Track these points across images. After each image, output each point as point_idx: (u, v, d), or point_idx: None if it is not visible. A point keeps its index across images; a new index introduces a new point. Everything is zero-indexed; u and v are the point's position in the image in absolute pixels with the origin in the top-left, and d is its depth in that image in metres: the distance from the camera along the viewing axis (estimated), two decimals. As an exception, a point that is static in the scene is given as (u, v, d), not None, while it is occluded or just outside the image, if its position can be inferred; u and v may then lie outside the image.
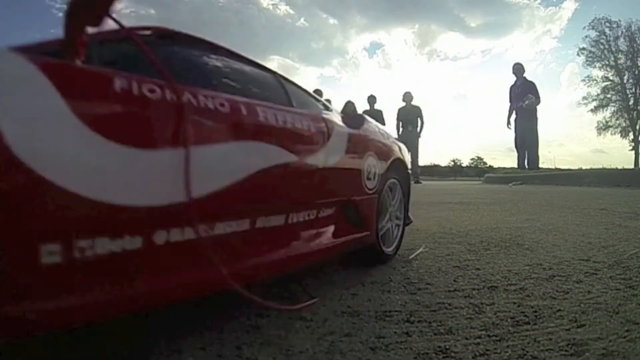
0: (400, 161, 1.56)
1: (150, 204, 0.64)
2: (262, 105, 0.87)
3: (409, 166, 1.71)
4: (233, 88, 0.90)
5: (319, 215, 1.04)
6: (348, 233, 1.15)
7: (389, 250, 1.47)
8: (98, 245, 0.58)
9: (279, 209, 0.90)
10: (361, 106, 8.74)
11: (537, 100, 8.05)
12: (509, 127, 8.58)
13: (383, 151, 1.38)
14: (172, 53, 0.86)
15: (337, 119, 1.20)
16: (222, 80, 0.92)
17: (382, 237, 1.41)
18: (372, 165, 1.26)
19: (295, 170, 0.93)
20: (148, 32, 0.83)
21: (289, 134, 0.92)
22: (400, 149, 1.62)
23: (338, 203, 1.12)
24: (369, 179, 1.24)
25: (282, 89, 1.13)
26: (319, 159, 1.00)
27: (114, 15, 0.66)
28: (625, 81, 22.57)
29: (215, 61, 0.97)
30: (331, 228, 1.11)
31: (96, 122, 0.57)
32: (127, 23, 0.71)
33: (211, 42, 0.98)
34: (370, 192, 1.26)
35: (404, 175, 1.62)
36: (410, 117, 8.41)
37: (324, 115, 1.12)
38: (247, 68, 1.07)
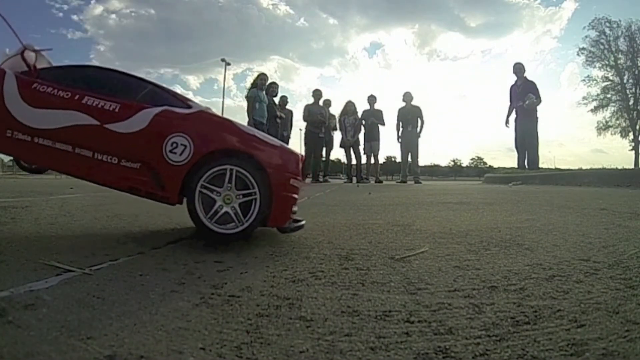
0: (242, 154, 1.67)
1: (45, 127, 1.66)
2: (90, 95, 1.67)
3: (273, 168, 1.70)
4: (87, 86, 1.74)
5: (121, 163, 1.67)
6: (147, 185, 1.66)
7: (221, 228, 1.61)
8: (18, 135, 1.68)
9: (87, 148, 1.66)
10: (361, 106, 8.76)
11: (538, 100, 8.04)
12: (507, 126, 8.59)
13: (208, 137, 1.68)
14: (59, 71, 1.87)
15: (152, 109, 1.69)
16: (84, 82, 1.77)
17: (216, 216, 1.61)
18: (179, 143, 1.63)
19: (96, 129, 1.64)
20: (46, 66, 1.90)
21: (97, 109, 1.65)
22: (251, 145, 1.71)
23: (140, 162, 1.67)
24: (173, 152, 1.62)
25: (134, 90, 1.79)
26: (116, 127, 1.64)
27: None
28: (625, 81, 22.59)
29: (84, 73, 1.88)
30: (132, 174, 1.67)
31: (26, 99, 1.67)
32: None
33: (93, 66, 1.97)
34: (175, 163, 1.62)
35: (258, 175, 1.66)
36: (410, 117, 8.42)
37: (139, 104, 1.70)
38: (120, 79, 1.85)
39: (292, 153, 1.87)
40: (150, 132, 1.64)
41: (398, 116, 8.55)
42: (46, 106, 1.66)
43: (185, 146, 1.63)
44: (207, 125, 1.73)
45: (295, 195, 1.83)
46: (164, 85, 1.91)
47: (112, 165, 1.66)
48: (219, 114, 1.98)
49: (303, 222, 1.93)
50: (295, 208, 1.84)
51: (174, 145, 1.62)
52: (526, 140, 8.37)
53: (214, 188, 1.63)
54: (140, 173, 1.66)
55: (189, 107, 1.79)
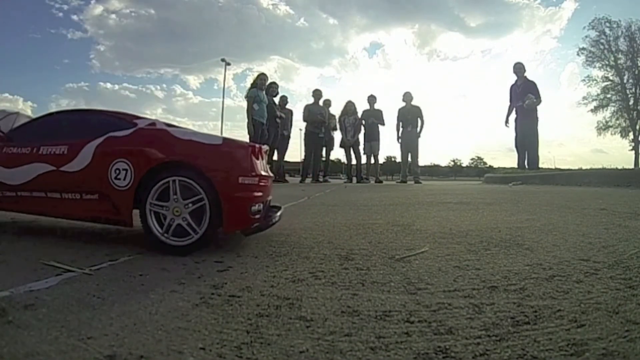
0: (180, 163, 1.66)
1: (22, 182, 1.90)
2: (45, 145, 1.89)
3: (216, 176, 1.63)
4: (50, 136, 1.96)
5: (83, 197, 1.81)
6: (107, 213, 1.77)
7: (174, 240, 1.60)
8: (6, 193, 1.96)
9: (54, 190, 1.85)
10: (361, 106, 8.76)
11: (538, 100, 8.02)
12: (507, 126, 8.57)
13: (144, 156, 1.72)
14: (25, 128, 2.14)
15: (94, 142, 1.81)
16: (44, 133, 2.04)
17: (169, 229, 1.61)
18: (121, 169, 1.72)
19: (55, 174, 1.83)
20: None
21: (51, 156, 1.85)
22: (188, 154, 1.69)
23: (97, 193, 1.78)
24: (117, 178, 1.72)
25: (81, 126, 1.98)
26: (68, 168, 1.81)
27: None
28: (625, 81, 22.53)
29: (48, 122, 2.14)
30: (94, 205, 1.79)
31: (2, 162, 1.96)
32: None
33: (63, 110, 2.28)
34: (122, 188, 1.71)
35: (201, 180, 1.61)
36: (410, 117, 8.41)
37: (83, 140, 1.82)
38: (71, 119, 2.11)
39: (239, 147, 1.74)
40: (94, 166, 1.77)
41: (398, 116, 8.54)
42: (17, 165, 1.91)
43: (127, 170, 1.71)
44: (143, 143, 1.76)
45: (257, 193, 1.70)
46: (110, 109, 2.08)
47: (76, 200, 1.82)
48: (164, 123, 2.00)
49: (275, 220, 1.81)
50: (256, 207, 1.69)
51: (117, 171, 1.73)
52: (526, 140, 8.35)
53: (162, 204, 1.63)
54: (100, 203, 1.78)
55: (134, 125, 1.86)
